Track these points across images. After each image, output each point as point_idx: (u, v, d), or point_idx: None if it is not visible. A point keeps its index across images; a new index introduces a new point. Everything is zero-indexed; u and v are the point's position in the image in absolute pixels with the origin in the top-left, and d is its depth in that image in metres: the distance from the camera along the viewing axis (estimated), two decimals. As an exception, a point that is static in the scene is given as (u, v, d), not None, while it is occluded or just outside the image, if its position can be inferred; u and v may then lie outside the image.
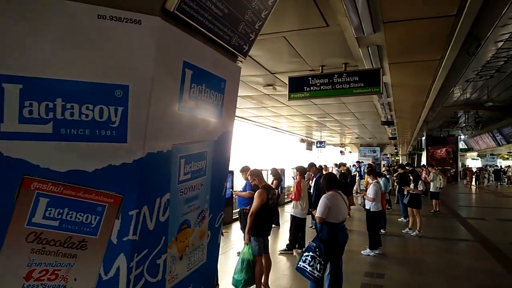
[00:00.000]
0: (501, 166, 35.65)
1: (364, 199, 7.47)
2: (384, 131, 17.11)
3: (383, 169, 18.59)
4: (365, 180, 11.65)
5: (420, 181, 8.80)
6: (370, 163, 17.14)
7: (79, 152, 1.51)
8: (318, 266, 3.83)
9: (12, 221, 1.44)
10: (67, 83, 1.48)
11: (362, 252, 6.81)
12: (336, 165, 15.30)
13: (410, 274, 5.76)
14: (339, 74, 5.83)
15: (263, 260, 4.60)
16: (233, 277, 4.41)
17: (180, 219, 1.99)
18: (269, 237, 4.75)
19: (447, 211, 12.95)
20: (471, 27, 4.24)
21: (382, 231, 8.23)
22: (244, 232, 4.81)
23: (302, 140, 23.50)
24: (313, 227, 8.25)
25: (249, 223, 4.46)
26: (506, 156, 38.74)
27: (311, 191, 8.16)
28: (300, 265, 3.96)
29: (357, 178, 16.88)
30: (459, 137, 30.99)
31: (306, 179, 7.90)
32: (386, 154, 29.34)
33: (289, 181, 14.10)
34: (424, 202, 9.34)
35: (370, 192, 7.07)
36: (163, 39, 1.65)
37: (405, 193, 9.26)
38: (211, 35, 2.02)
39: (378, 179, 8.06)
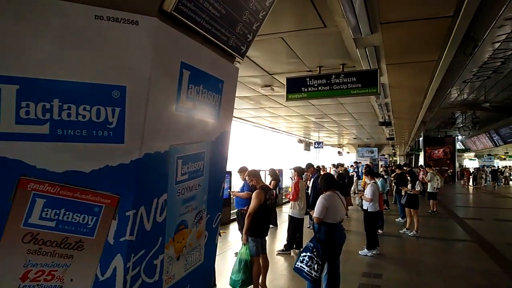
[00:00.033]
0: (498, 166, 35.75)
1: (362, 200, 7.48)
2: (381, 131, 17.15)
3: (381, 169, 18.60)
4: (362, 180, 11.67)
5: (417, 182, 8.82)
6: (368, 163, 17.18)
7: (76, 152, 1.51)
8: (315, 266, 3.84)
9: (9, 222, 1.43)
10: (64, 84, 1.48)
11: (359, 252, 6.82)
12: (334, 165, 15.31)
13: (407, 274, 5.77)
14: (336, 75, 5.85)
15: (260, 261, 4.60)
16: (231, 278, 4.41)
17: (177, 220, 1.99)
18: (266, 238, 4.75)
19: (445, 212, 12.98)
20: (468, 28, 4.25)
21: (379, 231, 8.24)
22: (242, 232, 4.81)
23: (300, 141, 23.53)
24: (311, 227, 8.26)
25: (247, 223, 4.46)
26: (503, 157, 38.85)
27: (309, 191, 8.16)
28: (297, 265, 3.96)
29: (354, 178, 16.91)
30: (456, 137, 31.07)
31: (304, 179, 7.92)
32: (384, 155, 29.42)
33: (287, 181, 14.11)
34: (421, 202, 9.38)
35: (367, 192, 7.09)
36: (160, 39, 1.65)
37: (403, 193, 9.29)
38: (209, 36, 2.02)
39: (376, 179, 8.07)
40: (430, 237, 8.52)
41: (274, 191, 6.85)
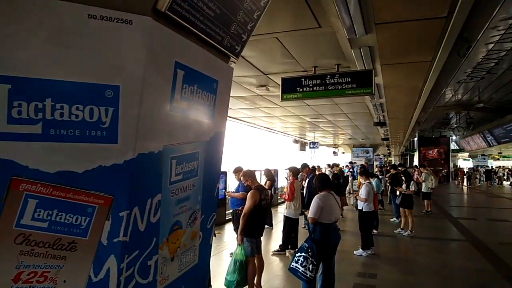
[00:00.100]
0: (492, 166, 36.05)
1: (357, 200, 7.51)
2: (376, 132, 17.22)
3: (376, 169, 18.68)
4: (357, 180, 11.71)
5: (412, 182, 8.86)
6: (363, 163, 17.23)
7: (68, 153, 1.50)
8: (310, 266, 3.84)
9: (0, 223, 1.42)
10: (57, 83, 1.47)
11: (354, 252, 6.84)
12: (329, 165, 15.35)
13: (402, 274, 5.80)
14: (331, 75, 5.87)
15: (255, 261, 4.60)
16: (226, 278, 4.41)
17: (171, 220, 1.98)
18: (262, 238, 4.75)
19: (439, 211, 13.06)
20: (461, 29, 4.28)
21: (374, 231, 8.28)
22: (237, 233, 4.80)
23: (296, 141, 23.56)
24: (306, 227, 8.28)
25: (242, 224, 4.45)
26: (497, 157, 39.21)
27: (304, 191, 8.18)
28: (292, 265, 3.97)
29: (349, 178, 16.95)
30: (450, 138, 31.31)
31: (299, 179, 7.92)
32: (379, 155, 29.55)
33: (282, 181, 14.12)
34: (416, 202, 9.42)
35: (362, 192, 7.11)
36: (154, 39, 1.64)
37: (397, 193, 9.34)
38: (203, 36, 2.01)
39: (371, 179, 8.11)
40: (424, 237, 8.58)
41: (269, 191, 6.83)
